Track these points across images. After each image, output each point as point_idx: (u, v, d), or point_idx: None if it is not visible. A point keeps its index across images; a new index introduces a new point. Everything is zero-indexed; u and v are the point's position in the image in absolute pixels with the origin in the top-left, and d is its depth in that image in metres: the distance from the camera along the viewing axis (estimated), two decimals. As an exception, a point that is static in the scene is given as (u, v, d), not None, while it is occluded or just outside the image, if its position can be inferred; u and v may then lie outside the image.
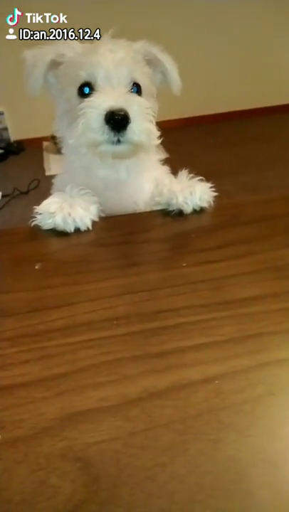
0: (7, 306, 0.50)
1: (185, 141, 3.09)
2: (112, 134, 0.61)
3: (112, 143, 0.63)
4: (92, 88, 0.66)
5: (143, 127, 0.63)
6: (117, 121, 0.60)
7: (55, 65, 0.71)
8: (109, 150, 0.64)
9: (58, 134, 0.77)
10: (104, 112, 0.60)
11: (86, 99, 0.63)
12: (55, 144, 3.13)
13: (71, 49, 0.70)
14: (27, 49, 0.71)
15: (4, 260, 0.61)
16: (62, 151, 0.78)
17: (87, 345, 0.44)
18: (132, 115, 0.61)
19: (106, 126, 0.61)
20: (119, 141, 0.63)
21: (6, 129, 3.47)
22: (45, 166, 3.06)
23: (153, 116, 0.67)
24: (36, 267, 0.58)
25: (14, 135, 3.50)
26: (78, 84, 0.67)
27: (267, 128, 3.59)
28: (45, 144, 3.36)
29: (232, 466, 0.32)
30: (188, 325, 0.45)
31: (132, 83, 0.67)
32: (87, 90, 0.66)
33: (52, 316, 0.48)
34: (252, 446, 0.33)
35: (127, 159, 0.68)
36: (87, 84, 0.66)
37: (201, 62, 3.32)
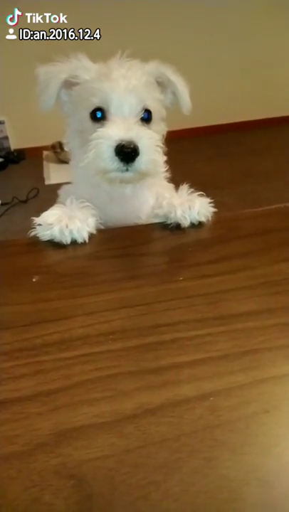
0: (4, 318, 0.50)
1: (184, 152, 3.10)
2: (121, 164, 0.64)
3: (121, 171, 0.65)
4: (104, 113, 0.68)
5: (150, 159, 0.66)
6: (127, 153, 0.63)
7: (68, 84, 0.73)
8: (117, 177, 0.67)
9: (67, 148, 0.80)
10: (114, 144, 0.63)
11: (98, 129, 0.65)
12: (55, 153, 3.16)
13: (85, 70, 0.71)
14: (40, 65, 0.73)
15: (2, 272, 0.61)
16: (70, 163, 0.79)
17: (82, 360, 0.44)
18: (140, 148, 0.64)
19: (116, 158, 0.63)
20: (127, 170, 0.65)
21: (6, 137, 3.49)
22: (45, 175, 3.08)
23: (160, 147, 0.70)
24: (34, 280, 0.58)
25: (15, 144, 3.52)
26: (91, 109, 0.69)
27: (266, 140, 3.62)
28: (45, 153, 3.38)
29: (226, 484, 0.32)
30: (184, 340, 0.46)
31: (143, 110, 0.69)
32: (99, 115, 0.68)
33: (48, 330, 0.48)
34: (246, 465, 0.33)
35: (133, 183, 0.70)
36: (99, 109, 0.68)
37: (200, 73, 3.36)
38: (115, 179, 0.67)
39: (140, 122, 0.68)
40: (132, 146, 0.63)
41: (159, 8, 3.24)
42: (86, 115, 0.70)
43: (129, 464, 0.33)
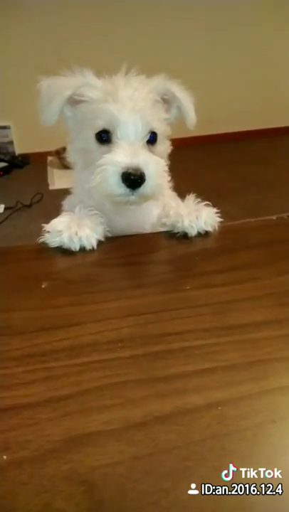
0: (14, 324, 0.51)
1: (187, 160, 3.12)
2: (127, 190, 0.65)
3: (127, 195, 0.66)
4: (110, 135, 0.68)
5: (156, 183, 0.66)
6: (133, 180, 0.64)
7: (72, 101, 0.72)
8: (123, 200, 0.67)
9: (69, 159, 0.79)
10: (121, 171, 0.63)
11: (104, 153, 0.66)
12: (60, 159, 3.18)
13: (91, 88, 0.70)
14: (43, 77, 0.71)
15: (12, 278, 0.61)
16: (74, 176, 0.80)
17: (92, 367, 0.44)
18: (147, 174, 0.64)
19: (122, 184, 0.64)
20: (132, 194, 0.66)
21: (11, 142, 3.52)
22: (49, 180, 3.09)
23: (166, 171, 0.70)
24: (43, 286, 0.59)
25: (19, 149, 3.54)
26: (96, 131, 0.69)
27: (268, 149, 3.64)
28: (49, 158, 3.39)
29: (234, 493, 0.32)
30: (192, 349, 0.46)
31: (149, 133, 0.69)
32: (105, 137, 0.69)
33: (58, 336, 0.49)
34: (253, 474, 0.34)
35: (138, 205, 0.71)
36: (105, 131, 0.68)
37: (203, 82, 3.39)
38: (120, 202, 0.68)
39: (146, 145, 0.69)
40: (138, 173, 0.63)
41: (160, 18, 3.27)
42: (91, 135, 0.70)
43: (139, 471, 0.34)
